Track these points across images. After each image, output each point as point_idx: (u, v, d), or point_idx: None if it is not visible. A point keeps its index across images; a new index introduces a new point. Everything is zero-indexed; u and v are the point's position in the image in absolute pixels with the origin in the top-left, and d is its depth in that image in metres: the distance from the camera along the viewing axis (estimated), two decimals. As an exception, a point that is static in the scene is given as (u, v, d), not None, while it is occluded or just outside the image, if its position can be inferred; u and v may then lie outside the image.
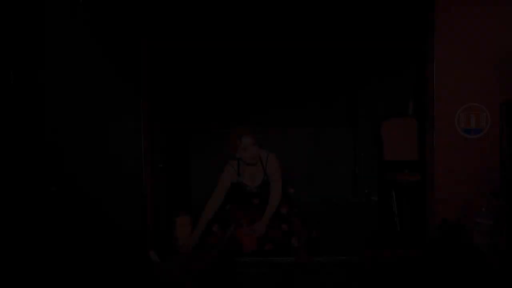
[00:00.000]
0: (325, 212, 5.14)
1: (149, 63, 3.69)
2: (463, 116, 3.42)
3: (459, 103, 3.43)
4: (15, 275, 3.02)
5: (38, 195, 3.29)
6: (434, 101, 3.43)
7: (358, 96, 5.52)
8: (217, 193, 3.94)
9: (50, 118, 3.44)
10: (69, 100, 3.46)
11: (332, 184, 5.65)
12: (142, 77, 3.53)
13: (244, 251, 3.72)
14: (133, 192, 3.51)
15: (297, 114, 5.93)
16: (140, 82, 3.51)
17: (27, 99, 3.23)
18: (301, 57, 5.90)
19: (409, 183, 4.32)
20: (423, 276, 2.85)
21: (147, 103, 3.59)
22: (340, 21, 5.60)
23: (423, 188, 3.69)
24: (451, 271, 2.88)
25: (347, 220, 4.78)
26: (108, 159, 3.50)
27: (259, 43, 5.71)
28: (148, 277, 2.98)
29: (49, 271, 3.25)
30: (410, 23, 4.83)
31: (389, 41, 5.32)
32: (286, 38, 5.24)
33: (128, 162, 3.49)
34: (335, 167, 5.64)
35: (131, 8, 3.54)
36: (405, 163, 4.71)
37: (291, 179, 5.11)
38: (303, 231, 3.87)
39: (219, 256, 2.85)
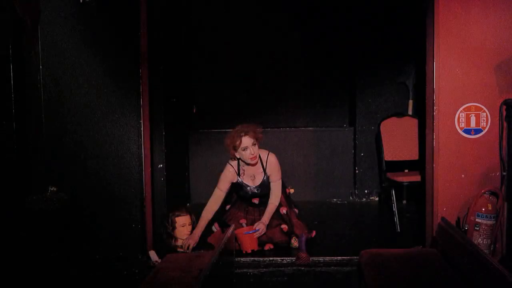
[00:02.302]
0: (325, 212, 5.14)
1: (148, 61, 3.67)
2: (463, 116, 3.42)
3: (459, 103, 3.43)
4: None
5: (37, 195, 3.30)
6: (434, 101, 3.42)
7: (357, 95, 5.51)
8: (217, 193, 3.94)
9: (48, 117, 3.45)
10: (68, 100, 3.47)
11: (332, 184, 5.64)
12: (142, 76, 3.52)
13: (244, 251, 3.72)
14: (132, 192, 3.51)
15: (297, 114, 5.93)
16: (140, 82, 3.50)
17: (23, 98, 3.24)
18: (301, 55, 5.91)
19: (409, 183, 4.32)
20: (421, 276, 2.85)
21: (147, 103, 3.58)
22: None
23: (423, 188, 3.69)
24: (451, 271, 2.88)
25: (347, 220, 4.78)
26: (107, 159, 3.49)
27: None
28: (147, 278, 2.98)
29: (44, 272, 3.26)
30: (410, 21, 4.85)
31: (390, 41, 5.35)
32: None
33: (128, 162, 3.48)
34: (335, 167, 5.64)
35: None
36: (405, 163, 4.72)
37: (291, 179, 5.12)
38: (303, 231, 3.87)
39: (219, 256, 2.85)
